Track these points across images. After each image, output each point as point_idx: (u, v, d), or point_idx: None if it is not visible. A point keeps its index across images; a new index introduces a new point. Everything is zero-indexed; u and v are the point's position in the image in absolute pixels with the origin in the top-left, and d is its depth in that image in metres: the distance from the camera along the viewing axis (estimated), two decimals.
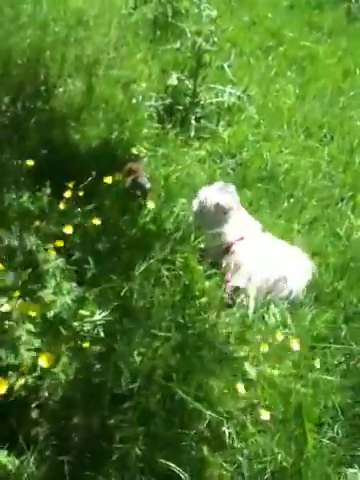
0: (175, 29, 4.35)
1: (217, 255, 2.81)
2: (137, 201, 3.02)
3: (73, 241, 2.64)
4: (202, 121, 3.76)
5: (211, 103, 3.88)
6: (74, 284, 2.41)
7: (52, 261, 2.43)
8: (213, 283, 2.67)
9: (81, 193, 2.82)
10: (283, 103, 4.06)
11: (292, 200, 3.28)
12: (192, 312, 2.44)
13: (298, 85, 4.35)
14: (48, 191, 2.77)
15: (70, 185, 2.81)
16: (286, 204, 3.24)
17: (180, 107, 3.80)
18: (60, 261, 2.44)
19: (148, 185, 3.06)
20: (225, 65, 3.71)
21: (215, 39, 3.67)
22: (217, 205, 2.79)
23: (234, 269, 2.73)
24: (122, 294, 2.37)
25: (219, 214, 2.81)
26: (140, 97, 3.88)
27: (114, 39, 4.54)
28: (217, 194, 2.83)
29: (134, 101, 3.87)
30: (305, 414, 2.15)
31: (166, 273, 2.58)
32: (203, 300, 2.49)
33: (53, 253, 2.47)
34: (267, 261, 2.73)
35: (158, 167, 3.36)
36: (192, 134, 3.65)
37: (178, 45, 3.70)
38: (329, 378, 2.29)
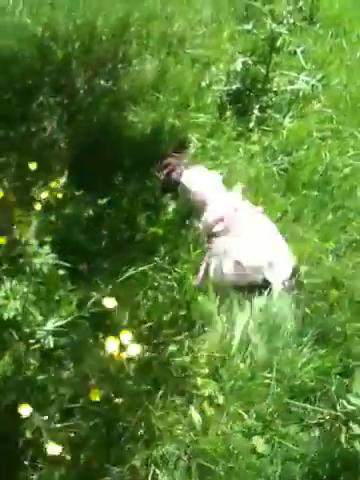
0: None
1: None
2: (165, 198, 2.72)
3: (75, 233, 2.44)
4: (268, 111, 3.24)
5: (284, 91, 3.32)
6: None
7: (43, 255, 2.25)
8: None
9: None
10: None
11: (339, 213, 2.71)
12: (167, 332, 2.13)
13: None
14: (63, 180, 2.55)
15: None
16: (330, 217, 2.68)
17: (249, 94, 3.31)
18: (50, 257, 2.25)
19: (180, 177, 2.74)
20: (298, 50, 3.11)
21: (292, 21, 3.06)
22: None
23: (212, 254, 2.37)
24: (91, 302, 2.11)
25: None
26: (208, 80, 3.44)
27: (205, 15, 4.10)
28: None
29: (203, 84, 3.45)
30: None
31: (155, 283, 2.28)
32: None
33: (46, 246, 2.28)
34: (247, 247, 2.33)
35: (204, 161, 2.97)
36: (251, 125, 3.16)
37: (250, 26, 3.17)
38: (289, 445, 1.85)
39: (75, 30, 3.70)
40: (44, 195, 2.49)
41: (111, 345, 1.80)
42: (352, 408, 1.70)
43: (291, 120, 3.19)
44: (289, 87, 3.30)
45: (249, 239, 2.36)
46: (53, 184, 2.51)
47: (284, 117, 3.23)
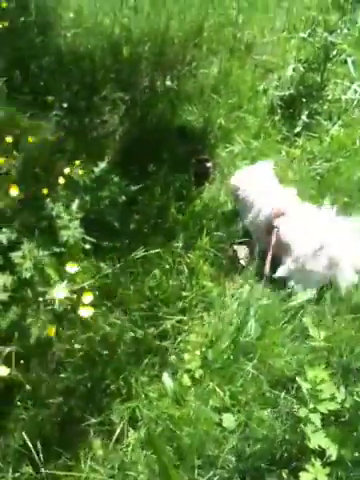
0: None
1: (260, 234, 2.60)
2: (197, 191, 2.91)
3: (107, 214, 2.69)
4: (317, 117, 3.30)
5: (338, 99, 3.36)
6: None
7: (72, 229, 2.53)
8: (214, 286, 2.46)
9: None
10: None
11: None
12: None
13: None
14: (102, 166, 2.81)
15: None
16: None
17: (302, 100, 3.39)
18: (78, 231, 2.53)
19: (211, 170, 2.93)
20: (349, 60, 3.14)
21: (345, 30, 3.11)
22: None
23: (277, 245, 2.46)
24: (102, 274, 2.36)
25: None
26: (265, 85, 3.56)
27: (278, 24, 4.21)
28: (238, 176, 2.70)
29: (260, 88, 3.59)
30: None
31: (167, 266, 2.48)
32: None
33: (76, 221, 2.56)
34: (312, 234, 2.42)
35: (244, 161, 3.12)
36: (297, 130, 3.25)
37: (306, 34, 3.25)
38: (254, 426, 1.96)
39: (149, 32, 3.99)
40: (85, 178, 2.77)
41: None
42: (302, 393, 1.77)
43: (338, 128, 3.22)
44: (343, 96, 3.33)
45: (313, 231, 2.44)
46: (94, 168, 2.78)
47: (333, 125, 3.26)
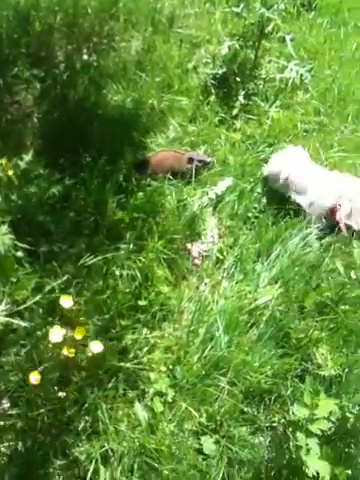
0: None
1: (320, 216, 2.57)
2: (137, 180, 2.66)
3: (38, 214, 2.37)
4: (254, 98, 3.17)
5: (273, 79, 3.24)
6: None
7: (0, 235, 2.18)
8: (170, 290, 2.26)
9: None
10: (357, 89, 3.28)
11: None
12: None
13: None
14: (28, 158, 2.47)
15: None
16: None
17: (236, 79, 3.23)
18: (8, 237, 2.18)
19: (209, 159, 2.76)
20: (287, 38, 3.03)
21: (283, 6, 2.98)
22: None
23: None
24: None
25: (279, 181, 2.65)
26: (194, 62, 3.36)
27: None
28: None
29: (189, 66, 3.37)
30: None
31: (117, 272, 2.23)
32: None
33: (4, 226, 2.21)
34: None
35: (183, 146, 2.91)
36: (235, 112, 3.09)
37: (239, 9, 3.08)
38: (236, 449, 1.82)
39: (59, 1, 3.59)
40: (7, 172, 2.41)
41: (55, 335, 1.74)
42: (297, 418, 1.66)
43: (277, 110, 3.12)
44: (278, 75, 3.21)
45: None
46: (17, 160, 2.43)
47: (270, 106, 3.15)
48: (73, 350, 1.79)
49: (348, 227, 2.46)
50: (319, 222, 2.55)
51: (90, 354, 1.84)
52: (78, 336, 1.81)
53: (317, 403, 1.62)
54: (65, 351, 1.78)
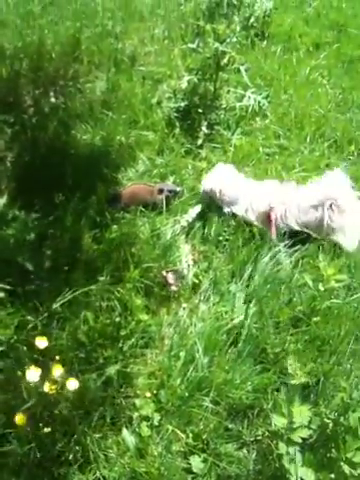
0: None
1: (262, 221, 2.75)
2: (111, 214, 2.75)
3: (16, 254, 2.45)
4: (216, 128, 3.32)
5: (233, 108, 3.40)
6: None
7: None
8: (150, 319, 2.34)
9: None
10: (313, 111, 3.45)
11: None
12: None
13: (341, 91, 3.67)
14: (2, 201, 2.56)
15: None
16: None
17: (199, 110, 3.38)
18: None
19: (179, 188, 2.88)
20: (242, 68, 3.20)
21: (235, 39, 3.16)
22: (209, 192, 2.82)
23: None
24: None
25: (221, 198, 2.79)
26: (157, 97, 3.51)
27: (157, 33, 4.18)
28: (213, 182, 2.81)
29: (153, 101, 3.52)
30: None
31: (97, 304, 2.31)
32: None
33: None
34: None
35: (152, 178, 3.03)
36: (200, 142, 3.23)
37: (195, 45, 3.25)
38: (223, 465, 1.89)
39: (23, 47, 3.74)
40: None
41: (32, 375, 1.80)
42: (277, 428, 1.74)
43: (239, 137, 3.26)
44: (237, 104, 3.38)
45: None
46: None
47: (232, 134, 3.30)
48: (54, 387, 1.83)
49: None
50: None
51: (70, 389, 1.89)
52: (56, 373, 1.85)
53: (292, 410, 1.70)
54: (46, 388, 1.82)
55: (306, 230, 2.65)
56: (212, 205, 2.82)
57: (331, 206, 2.59)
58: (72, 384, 1.85)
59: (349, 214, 2.62)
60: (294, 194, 2.72)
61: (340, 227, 2.62)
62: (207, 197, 2.85)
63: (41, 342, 1.93)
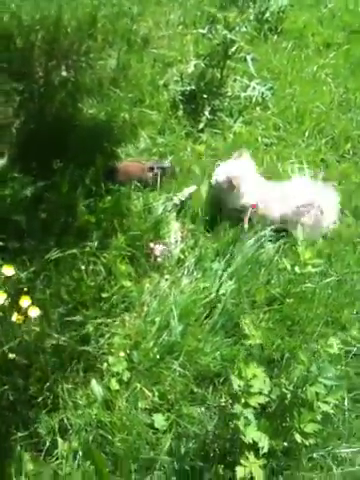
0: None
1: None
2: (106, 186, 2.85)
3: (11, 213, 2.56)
4: (219, 114, 3.40)
5: (238, 96, 3.49)
6: None
7: None
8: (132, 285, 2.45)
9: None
10: (315, 107, 3.54)
11: None
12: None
13: (345, 91, 3.75)
14: (2, 162, 2.67)
15: None
16: None
17: (203, 96, 3.47)
18: None
19: (167, 164, 2.97)
20: (248, 58, 3.28)
21: (244, 29, 3.24)
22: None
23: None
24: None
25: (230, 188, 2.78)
26: (165, 79, 3.60)
27: (174, 17, 4.27)
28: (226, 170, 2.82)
29: (160, 83, 3.61)
30: None
31: (83, 267, 2.41)
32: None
33: None
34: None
35: (151, 156, 3.12)
36: (201, 126, 3.32)
37: (205, 31, 3.34)
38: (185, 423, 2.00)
39: (41, 20, 3.83)
40: None
41: None
42: (235, 391, 1.84)
43: (240, 125, 3.35)
44: (242, 93, 3.47)
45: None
46: None
47: (234, 121, 3.39)
48: (21, 317, 1.96)
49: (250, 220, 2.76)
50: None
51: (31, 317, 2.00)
52: (24, 303, 1.97)
53: (246, 370, 1.80)
54: (14, 318, 1.94)
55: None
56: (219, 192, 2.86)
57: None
58: (33, 312, 1.97)
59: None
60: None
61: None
62: (218, 185, 2.85)
63: (8, 270, 2.06)
